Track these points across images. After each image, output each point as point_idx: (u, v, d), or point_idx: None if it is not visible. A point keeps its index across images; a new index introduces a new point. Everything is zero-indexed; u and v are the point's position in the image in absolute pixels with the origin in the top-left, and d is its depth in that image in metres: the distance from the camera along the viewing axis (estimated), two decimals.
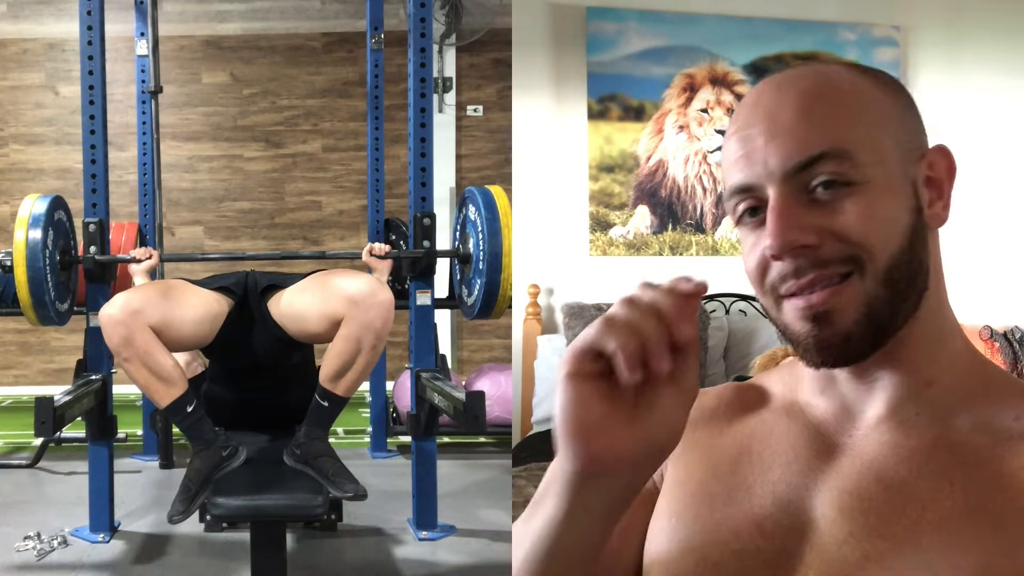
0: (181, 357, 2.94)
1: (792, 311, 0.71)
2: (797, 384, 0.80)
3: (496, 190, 3.04)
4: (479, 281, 2.98)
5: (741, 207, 0.74)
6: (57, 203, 3.04)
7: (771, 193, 0.70)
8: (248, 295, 2.67)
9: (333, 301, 2.45)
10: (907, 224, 0.71)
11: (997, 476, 0.67)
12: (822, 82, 0.72)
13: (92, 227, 3.08)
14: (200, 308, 2.55)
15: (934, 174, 0.73)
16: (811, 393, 0.78)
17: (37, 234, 2.88)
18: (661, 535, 0.79)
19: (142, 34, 4.32)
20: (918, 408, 0.72)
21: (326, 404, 2.50)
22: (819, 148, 0.69)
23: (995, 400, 0.72)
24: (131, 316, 2.36)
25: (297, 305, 2.57)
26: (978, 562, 0.64)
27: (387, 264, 3.11)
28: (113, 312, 2.39)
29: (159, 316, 2.41)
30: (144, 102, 4.32)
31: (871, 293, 0.69)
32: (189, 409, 2.47)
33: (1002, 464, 0.68)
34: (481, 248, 2.95)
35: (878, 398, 0.73)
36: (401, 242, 3.96)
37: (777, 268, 0.71)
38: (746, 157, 0.72)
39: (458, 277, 3.26)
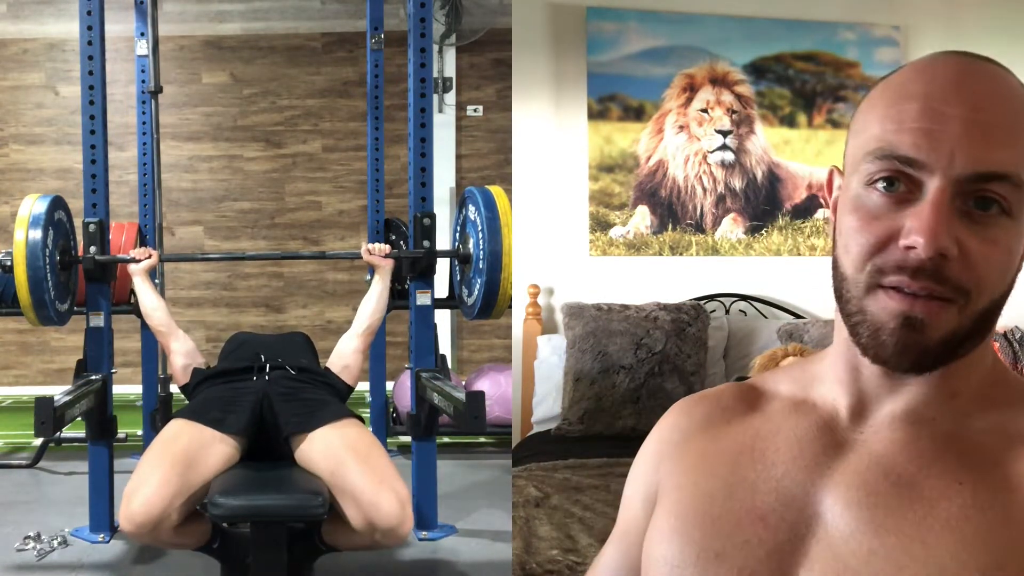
0: (182, 358, 2.93)
1: (886, 304, 0.69)
2: (811, 382, 0.79)
3: (496, 190, 3.04)
4: (479, 281, 2.97)
5: (881, 173, 0.69)
6: (57, 203, 3.04)
7: (936, 184, 0.67)
8: (267, 434, 2.55)
9: (355, 514, 2.31)
10: (1016, 268, 0.71)
11: (1007, 476, 0.67)
12: (1020, 98, 0.70)
13: (92, 227, 3.08)
14: (219, 463, 2.44)
15: None
16: (830, 383, 0.77)
17: (37, 234, 2.87)
18: (660, 535, 0.78)
19: (142, 34, 4.32)
20: (935, 413, 0.72)
21: (323, 549, 2.50)
22: (1005, 168, 0.67)
23: (1011, 405, 0.73)
24: (154, 528, 2.27)
25: (318, 472, 2.43)
26: (986, 561, 0.64)
27: (389, 263, 3.11)
28: (132, 530, 2.28)
29: (180, 506, 2.31)
30: (144, 102, 4.32)
31: (962, 325, 0.68)
32: (215, 546, 2.49)
33: (1013, 465, 0.68)
34: (481, 248, 2.94)
35: (899, 399, 0.73)
36: (401, 242, 3.96)
37: (897, 256, 0.68)
38: (929, 134, 0.67)
39: (458, 277, 3.25)
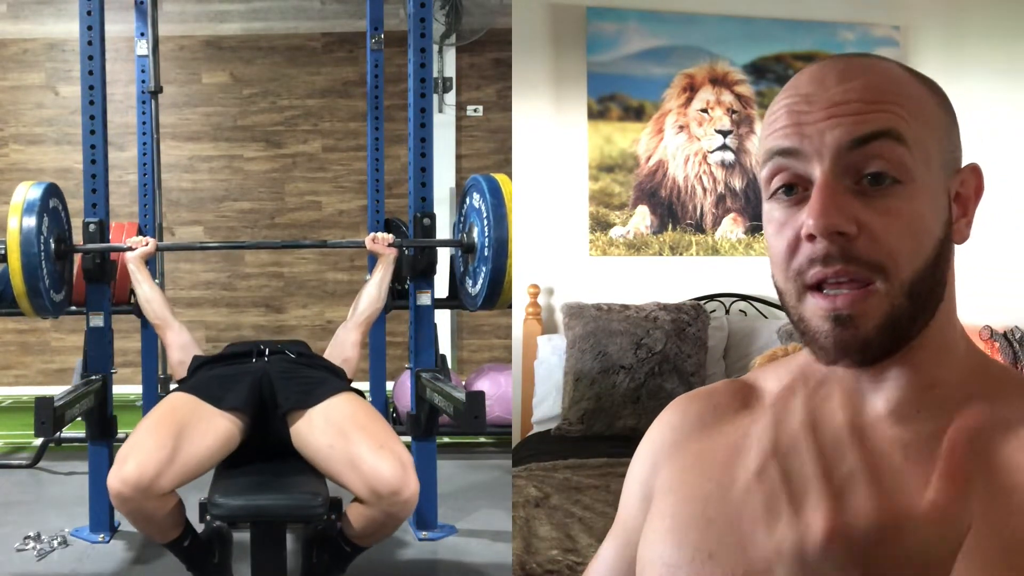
0: (178, 351, 2.91)
1: (814, 308, 0.70)
2: (797, 381, 0.80)
3: (501, 177, 3.02)
4: (484, 269, 2.96)
5: (777, 181, 0.72)
6: (51, 191, 2.99)
7: (820, 169, 0.69)
8: (266, 413, 2.49)
9: (356, 482, 2.27)
10: (938, 237, 0.71)
11: (989, 458, 0.69)
12: (884, 73, 0.72)
13: (92, 227, 3.07)
14: (216, 437, 2.39)
15: (963, 191, 0.74)
16: (814, 383, 0.77)
17: (31, 221, 2.83)
18: (655, 535, 0.79)
19: (142, 34, 4.32)
20: (919, 407, 0.73)
21: (348, 550, 2.45)
22: (879, 127, 0.68)
23: (993, 392, 0.73)
24: (145, 490, 2.21)
25: (315, 450, 2.39)
26: (971, 539, 0.64)
27: (392, 252, 3.10)
28: (123, 491, 2.20)
29: (173, 474, 2.25)
30: (144, 102, 4.33)
31: (894, 303, 0.69)
32: (185, 544, 2.45)
33: (998, 457, 0.69)
34: (486, 236, 2.93)
35: (881, 397, 0.74)
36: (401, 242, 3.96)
37: (807, 251, 0.69)
38: (798, 123, 0.70)
39: (461, 268, 3.25)
